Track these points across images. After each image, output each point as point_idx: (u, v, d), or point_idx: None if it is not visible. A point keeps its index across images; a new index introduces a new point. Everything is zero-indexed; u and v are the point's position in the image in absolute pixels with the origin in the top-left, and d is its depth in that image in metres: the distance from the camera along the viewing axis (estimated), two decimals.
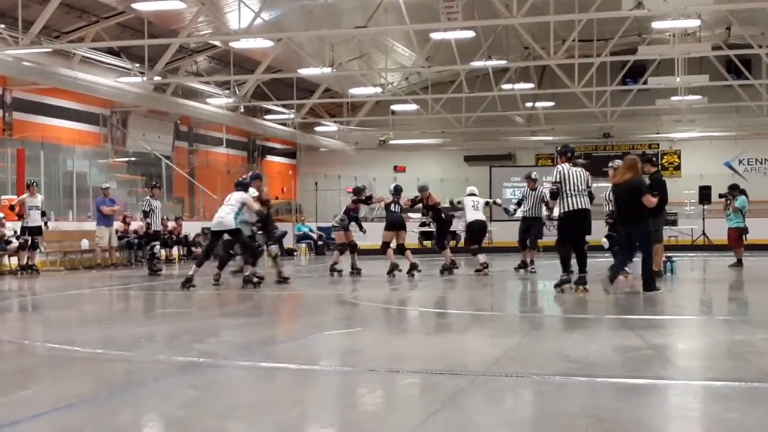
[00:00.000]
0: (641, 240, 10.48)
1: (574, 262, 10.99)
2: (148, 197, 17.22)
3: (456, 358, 6.05)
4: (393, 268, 14.58)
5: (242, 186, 13.03)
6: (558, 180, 10.80)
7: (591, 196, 11.04)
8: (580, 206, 10.79)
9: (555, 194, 10.91)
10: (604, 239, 12.83)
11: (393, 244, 14.91)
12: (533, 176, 15.69)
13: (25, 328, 9.19)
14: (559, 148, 11.69)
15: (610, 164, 12.36)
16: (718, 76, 27.04)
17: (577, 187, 10.77)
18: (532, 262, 15.46)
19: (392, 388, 5.31)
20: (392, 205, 15.10)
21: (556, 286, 10.92)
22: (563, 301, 10.33)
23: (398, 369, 5.77)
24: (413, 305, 11.10)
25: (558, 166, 11.13)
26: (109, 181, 22.16)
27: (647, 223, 10.55)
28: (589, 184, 11.02)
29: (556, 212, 11.80)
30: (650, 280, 10.50)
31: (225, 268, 13.43)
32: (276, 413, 4.57)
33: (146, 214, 16.93)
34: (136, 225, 20.51)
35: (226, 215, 12.54)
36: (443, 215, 15.75)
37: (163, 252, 20.31)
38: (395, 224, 15.06)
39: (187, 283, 12.39)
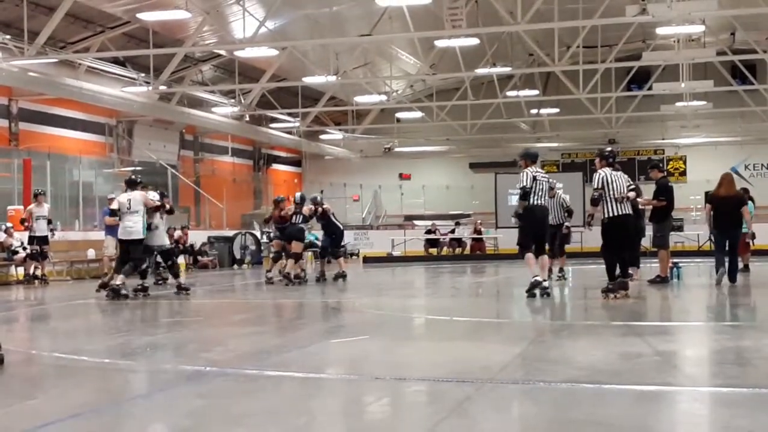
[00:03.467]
0: (734, 243, 12.62)
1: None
2: None
3: (462, 365, 6.04)
4: (287, 276, 15.27)
5: (136, 184, 12.95)
6: (600, 186, 10.38)
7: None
8: (623, 211, 10.42)
9: (596, 201, 10.41)
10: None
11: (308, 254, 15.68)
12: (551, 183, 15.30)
13: (32, 338, 9.20)
14: (598, 152, 11.07)
15: None
16: (723, 81, 27.05)
17: (620, 191, 10.41)
18: (560, 270, 14.49)
19: (399, 395, 5.31)
20: (294, 216, 15.55)
21: (603, 291, 10.54)
22: (571, 307, 10.29)
23: (404, 377, 5.76)
24: (419, 312, 11.08)
25: (599, 171, 10.59)
26: (116, 190, 22.17)
27: (741, 230, 12.91)
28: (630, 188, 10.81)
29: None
30: (735, 273, 12.59)
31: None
32: (283, 422, 4.56)
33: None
34: None
35: (137, 224, 12.56)
36: (339, 226, 16.84)
37: None
38: (287, 236, 15.63)
39: (115, 293, 12.34)
